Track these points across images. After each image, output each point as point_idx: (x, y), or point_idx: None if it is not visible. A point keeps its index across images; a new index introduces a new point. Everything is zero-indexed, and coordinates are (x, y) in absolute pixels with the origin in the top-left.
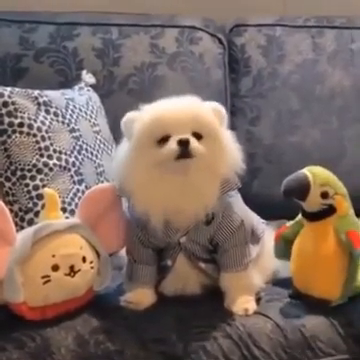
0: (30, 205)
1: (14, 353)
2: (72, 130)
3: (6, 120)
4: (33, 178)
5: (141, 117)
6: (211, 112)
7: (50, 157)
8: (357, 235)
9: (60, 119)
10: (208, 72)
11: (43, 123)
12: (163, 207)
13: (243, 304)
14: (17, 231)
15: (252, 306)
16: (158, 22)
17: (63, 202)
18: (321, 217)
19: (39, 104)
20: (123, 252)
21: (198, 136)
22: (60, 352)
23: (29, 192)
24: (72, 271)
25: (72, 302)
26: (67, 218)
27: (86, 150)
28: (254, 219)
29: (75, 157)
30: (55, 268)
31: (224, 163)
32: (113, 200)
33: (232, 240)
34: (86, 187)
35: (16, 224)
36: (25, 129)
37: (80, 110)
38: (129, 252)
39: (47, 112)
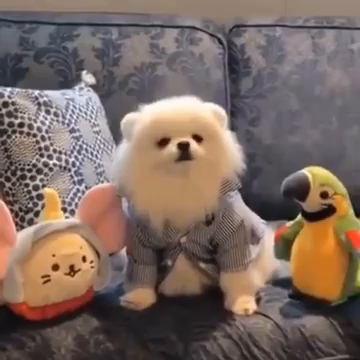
0: (30, 205)
1: (14, 353)
2: (72, 130)
3: (6, 120)
4: (33, 178)
5: (141, 118)
6: (211, 114)
7: (50, 157)
8: (357, 235)
9: (60, 119)
10: (208, 72)
11: (43, 123)
12: (163, 208)
13: (243, 304)
14: (17, 231)
15: (252, 306)
16: (158, 22)
17: (63, 202)
18: (321, 217)
19: (39, 104)
20: (123, 252)
21: (198, 138)
22: (60, 352)
23: (29, 192)
24: (72, 271)
25: (72, 302)
26: (67, 218)
27: (86, 150)
28: (254, 219)
29: (75, 157)
30: (55, 268)
31: (224, 164)
32: (113, 200)
33: (232, 240)
34: (86, 187)
35: (16, 224)
36: (25, 129)
37: (80, 110)
38: (129, 252)
39: (47, 112)
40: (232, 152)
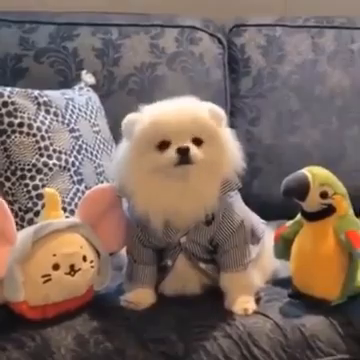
0: (30, 205)
1: (14, 353)
2: (72, 130)
3: (6, 120)
4: (33, 178)
5: (141, 120)
6: (209, 114)
7: (50, 157)
8: (357, 235)
9: (60, 119)
10: (208, 72)
11: (43, 123)
12: (163, 208)
13: (243, 304)
14: (17, 231)
15: (252, 306)
16: (158, 22)
17: (63, 202)
18: (321, 217)
19: (39, 104)
20: (123, 252)
21: (198, 141)
22: (60, 352)
23: (29, 192)
24: (72, 270)
25: (72, 301)
26: (67, 218)
27: (86, 150)
28: (254, 219)
29: (75, 157)
30: (55, 267)
31: (225, 164)
32: (113, 200)
33: (232, 240)
34: (86, 187)
35: (16, 224)
36: (25, 129)
37: (80, 110)
38: (129, 252)
39: (47, 112)
40: (232, 152)
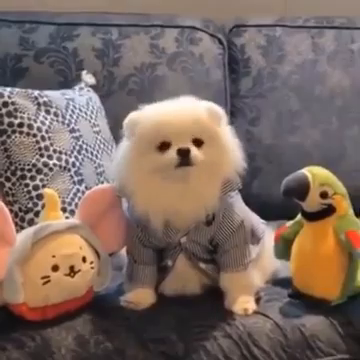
0: (30, 205)
1: (14, 353)
2: (72, 130)
3: (6, 120)
4: (33, 178)
5: (142, 120)
6: (208, 114)
7: (50, 157)
8: (357, 235)
9: (60, 119)
10: (208, 72)
11: (43, 123)
12: (163, 209)
13: (243, 304)
14: (17, 231)
15: (252, 306)
16: (158, 22)
17: (63, 202)
18: (321, 217)
19: (39, 104)
20: (123, 252)
21: (199, 142)
22: (60, 352)
23: (29, 192)
24: (72, 271)
25: (72, 302)
26: (67, 218)
27: (86, 150)
28: (254, 219)
29: (75, 157)
30: (55, 268)
31: (226, 165)
32: (113, 200)
33: (232, 240)
34: (86, 187)
35: (16, 224)
36: (25, 129)
37: (80, 110)
38: (129, 252)
39: (47, 112)
40: (233, 152)
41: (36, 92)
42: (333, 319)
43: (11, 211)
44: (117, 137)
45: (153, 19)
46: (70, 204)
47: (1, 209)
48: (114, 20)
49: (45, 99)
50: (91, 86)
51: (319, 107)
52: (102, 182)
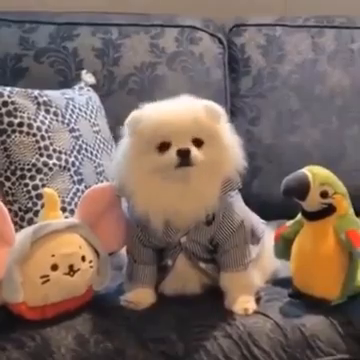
0: (30, 205)
1: (14, 353)
2: (72, 130)
3: (6, 120)
4: (33, 178)
5: (143, 119)
6: (207, 113)
7: (50, 157)
8: (357, 234)
9: (60, 119)
10: (208, 72)
11: (43, 123)
12: (163, 208)
13: (243, 304)
14: (17, 231)
15: (252, 306)
16: (158, 22)
17: (63, 202)
18: (321, 216)
19: (39, 104)
20: (123, 251)
21: (199, 142)
22: (60, 351)
23: (29, 192)
24: (71, 270)
25: (71, 302)
26: (67, 218)
27: (86, 150)
28: (254, 219)
29: (75, 157)
30: (54, 268)
31: (226, 164)
32: (113, 200)
33: (232, 240)
34: (86, 187)
35: (16, 224)
36: (25, 129)
37: (80, 110)
38: (129, 252)
39: (47, 112)
40: (233, 150)
41: (36, 92)
42: (333, 319)
43: (11, 210)
44: (117, 137)
45: (153, 19)
46: (70, 204)
47: (0, 208)
48: (114, 20)
49: (45, 99)
50: (91, 86)
51: (319, 107)
52: (102, 182)
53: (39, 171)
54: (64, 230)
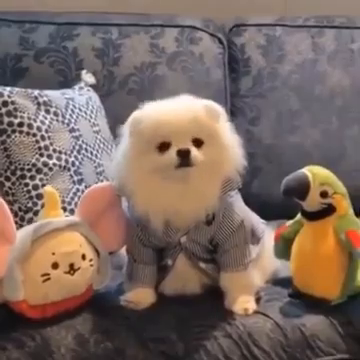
0: (30, 204)
1: (14, 352)
2: (72, 130)
3: (6, 120)
4: (33, 178)
5: (143, 120)
6: (207, 112)
7: (50, 157)
8: (357, 235)
9: (60, 119)
10: (208, 72)
11: (43, 123)
12: (163, 208)
13: (243, 304)
14: (17, 230)
15: (252, 306)
16: (158, 22)
17: (63, 202)
18: (321, 216)
19: (39, 104)
20: (123, 251)
21: (199, 142)
22: (60, 351)
23: (29, 192)
24: (72, 269)
25: (71, 300)
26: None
27: (86, 150)
28: (254, 219)
29: (75, 157)
30: (55, 266)
31: (226, 163)
32: (113, 199)
33: (232, 240)
34: (86, 187)
35: (16, 223)
36: (25, 129)
37: (80, 110)
38: (129, 252)
39: (47, 112)
40: (233, 150)
41: (36, 92)
42: (333, 319)
43: (11, 210)
44: (117, 137)
45: (153, 19)
46: (70, 203)
47: (1, 206)
48: (114, 20)
49: (45, 99)
50: (91, 86)
51: (319, 107)
52: (102, 182)
53: (39, 171)
54: (64, 228)
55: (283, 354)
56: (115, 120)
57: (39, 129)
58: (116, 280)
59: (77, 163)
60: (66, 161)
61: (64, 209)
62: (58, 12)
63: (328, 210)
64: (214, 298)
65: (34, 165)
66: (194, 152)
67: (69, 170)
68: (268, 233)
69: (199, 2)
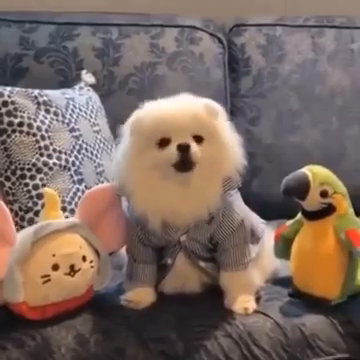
0: (30, 204)
1: (14, 352)
2: (72, 130)
3: (6, 119)
4: (33, 177)
5: (143, 119)
6: (206, 110)
7: (50, 156)
8: (357, 234)
9: (60, 119)
10: (208, 72)
11: (43, 122)
12: (162, 210)
13: (243, 303)
14: (17, 230)
15: (252, 305)
16: (158, 22)
17: (63, 202)
18: (321, 216)
19: (39, 104)
20: (123, 251)
21: (199, 138)
22: (60, 351)
23: (29, 191)
24: (72, 270)
25: (72, 301)
26: (67, 217)
27: (86, 150)
28: (254, 219)
29: (75, 157)
30: (55, 267)
31: (226, 162)
32: (113, 199)
33: (232, 239)
34: (86, 187)
35: (16, 223)
36: (25, 128)
37: (80, 110)
38: (129, 251)
39: (47, 112)
40: (233, 149)
41: (36, 91)
42: (333, 318)
43: (11, 210)
44: (117, 137)
45: (153, 19)
46: (70, 203)
47: (1, 208)
48: (114, 20)
49: (45, 98)
50: (91, 85)
51: (319, 107)
52: (102, 181)
53: (39, 171)
54: (65, 230)
55: (283, 353)
56: (115, 120)
57: (39, 129)
58: (116, 280)
59: (77, 163)
60: (66, 161)
61: (64, 209)
62: (58, 12)
63: (328, 210)
64: (214, 297)
65: (34, 165)
66: (194, 148)
67: (69, 170)
68: (268, 233)
69: (199, 2)
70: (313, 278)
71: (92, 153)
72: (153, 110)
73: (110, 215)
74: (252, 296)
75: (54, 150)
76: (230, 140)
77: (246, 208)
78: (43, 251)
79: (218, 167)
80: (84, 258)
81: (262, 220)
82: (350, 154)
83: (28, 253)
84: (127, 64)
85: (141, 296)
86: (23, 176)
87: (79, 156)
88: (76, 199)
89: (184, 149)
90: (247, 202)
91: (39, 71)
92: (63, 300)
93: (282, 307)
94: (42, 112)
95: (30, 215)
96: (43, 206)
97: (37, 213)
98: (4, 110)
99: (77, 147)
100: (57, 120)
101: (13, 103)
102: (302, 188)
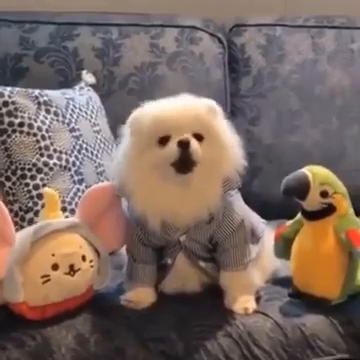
0: (30, 204)
1: (14, 352)
2: (72, 130)
3: (6, 120)
4: (33, 177)
5: (143, 118)
6: (207, 110)
7: (50, 157)
8: (357, 234)
9: (60, 119)
10: (208, 72)
11: (43, 123)
12: (161, 210)
13: (243, 303)
14: (17, 230)
15: (252, 305)
16: (158, 22)
17: (63, 202)
18: (321, 216)
19: (39, 104)
20: (123, 251)
21: (199, 137)
22: (60, 351)
23: (29, 191)
24: (72, 270)
25: (72, 301)
26: (67, 217)
27: (86, 150)
28: (254, 219)
29: (75, 157)
30: (55, 267)
31: (226, 162)
32: (113, 199)
33: (232, 239)
34: (86, 187)
35: (16, 223)
36: (25, 129)
37: (80, 110)
38: (129, 251)
39: (47, 112)
40: (233, 149)
41: (36, 91)
42: (333, 318)
43: (11, 210)
44: (117, 137)
45: (153, 19)
46: (70, 203)
47: (0, 209)
48: (114, 20)
49: (45, 98)
50: (91, 85)
51: (319, 107)
52: (102, 181)
53: (39, 171)
54: (64, 230)
55: (283, 354)
56: (115, 120)
57: (39, 129)
58: (116, 280)
59: (77, 163)
60: (66, 161)
61: (64, 209)
62: (58, 12)
63: (328, 210)
64: (214, 297)
65: (34, 165)
66: (194, 144)
67: (69, 170)
68: (268, 233)
69: (199, 2)
70: (313, 278)
71: (92, 153)
72: (153, 109)
73: (110, 214)
74: (252, 296)
75: (54, 150)
76: (230, 141)
77: (246, 208)
78: (43, 251)
79: (218, 168)
80: (84, 258)
81: (262, 220)
82: (350, 154)
83: (28, 253)
84: (127, 64)
85: (141, 296)
86: (23, 176)
87: (79, 156)
88: (76, 199)
89: (184, 145)
90: (247, 202)
91: (39, 71)
92: (63, 300)
93: (282, 307)
94: (42, 112)
95: (30, 215)
96: (43, 206)
97: (37, 213)
98: (4, 110)
99: (77, 147)
100: (57, 120)
101: (13, 103)
102: (302, 188)
